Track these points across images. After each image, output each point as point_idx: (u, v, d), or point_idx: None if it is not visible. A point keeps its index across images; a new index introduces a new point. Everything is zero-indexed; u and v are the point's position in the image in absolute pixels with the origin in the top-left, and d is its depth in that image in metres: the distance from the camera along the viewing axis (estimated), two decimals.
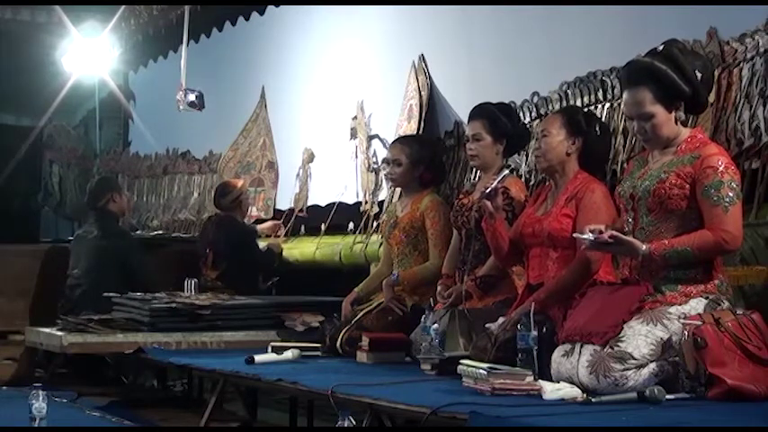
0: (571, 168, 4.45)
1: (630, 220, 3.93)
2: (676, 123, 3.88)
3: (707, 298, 3.75)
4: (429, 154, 5.62)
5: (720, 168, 3.74)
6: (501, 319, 4.32)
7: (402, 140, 5.75)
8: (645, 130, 3.89)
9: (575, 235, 4.04)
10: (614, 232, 3.82)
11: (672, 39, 3.92)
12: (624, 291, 3.86)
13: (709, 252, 3.74)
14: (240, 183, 7.63)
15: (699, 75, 3.84)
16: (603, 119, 4.85)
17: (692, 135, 3.89)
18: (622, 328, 3.70)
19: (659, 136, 3.88)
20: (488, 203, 4.47)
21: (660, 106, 3.84)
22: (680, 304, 3.72)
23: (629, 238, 3.81)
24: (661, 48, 3.89)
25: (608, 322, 3.74)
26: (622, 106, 4.03)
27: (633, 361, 3.63)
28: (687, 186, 3.77)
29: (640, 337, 3.66)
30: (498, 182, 4.51)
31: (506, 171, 4.63)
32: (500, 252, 4.58)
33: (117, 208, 7.36)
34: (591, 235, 3.80)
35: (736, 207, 3.74)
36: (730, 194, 3.72)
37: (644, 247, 3.76)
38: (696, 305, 3.72)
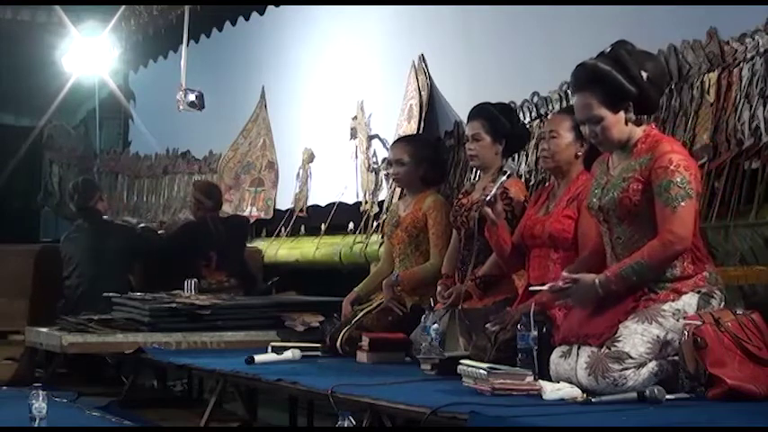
0: (576, 170, 4.44)
1: (606, 230, 3.91)
2: (627, 124, 3.83)
3: (698, 292, 3.74)
4: (431, 153, 5.64)
5: (671, 167, 3.71)
6: (498, 316, 4.34)
7: (404, 140, 5.76)
8: (595, 133, 3.86)
9: (530, 289, 4.02)
10: (565, 274, 3.82)
11: (621, 40, 3.87)
12: None
13: (660, 257, 3.69)
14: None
15: (645, 75, 3.79)
16: None
17: (645, 134, 3.85)
18: (618, 328, 3.70)
19: (610, 138, 3.85)
20: (489, 211, 4.47)
21: (608, 108, 3.80)
22: (673, 301, 3.71)
23: (579, 275, 3.79)
24: (608, 49, 3.86)
25: (604, 323, 3.74)
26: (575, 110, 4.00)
27: (631, 360, 3.62)
28: (648, 191, 3.75)
29: (636, 336, 3.66)
30: (497, 188, 4.50)
31: (503, 177, 4.60)
32: (504, 257, 4.58)
33: (103, 207, 7.57)
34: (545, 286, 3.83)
35: (686, 207, 3.69)
36: (680, 193, 3.68)
37: (596, 279, 3.74)
38: (689, 300, 3.72)
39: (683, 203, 3.68)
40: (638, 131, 3.85)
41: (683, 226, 3.69)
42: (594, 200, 3.92)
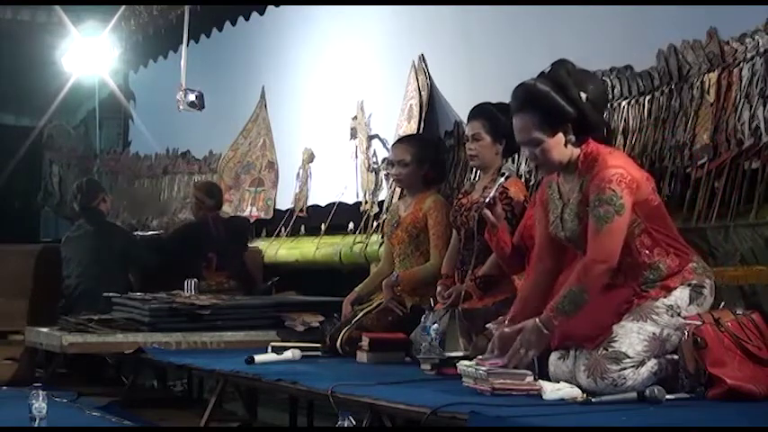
0: None
1: (581, 254, 3.87)
2: (566, 146, 3.79)
3: (689, 285, 3.74)
4: (432, 153, 5.63)
5: (602, 184, 3.67)
6: (500, 319, 4.32)
7: (405, 140, 5.75)
8: (535, 155, 3.83)
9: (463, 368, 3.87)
10: (507, 330, 3.77)
11: (561, 59, 3.85)
12: (611, 293, 3.82)
13: (587, 278, 3.66)
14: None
15: (584, 96, 3.76)
16: None
17: (584, 152, 3.81)
18: (613, 329, 3.69)
19: (550, 161, 3.82)
20: (489, 213, 4.45)
21: (547, 130, 3.77)
22: (664, 297, 3.72)
23: (521, 324, 3.75)
24: (548, 69, 3.83)
25: (599, 327, 3.73)
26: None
27: (629, 360, 3.63)
28: None
29: (633, 335, 3.66)
30: (495, 190, 4.49)
31: (501, 179, 4.59)
32: (505, 259, 4.56)
33: (106, 208, 7.58)
34: (480, 368, 3.73)
35: (613, 225, 3.64)
36: (608, 211, 3.64)
37: (537, 320, 3.71)
38: (680, 294, 3.72)
39: (610, 221, 3.65)
40: (577, 151, 3.82)
41: (609, 243, 3.66)
42: (559, 231, 3.90)
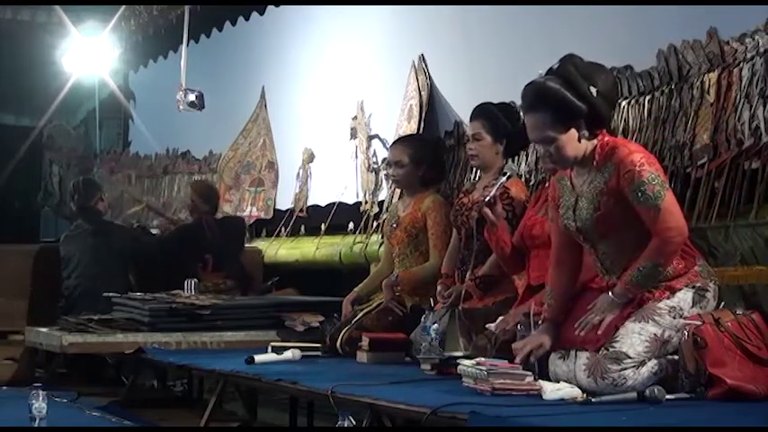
0: None
1: (589, 248, 3.89)
2: (580, 141, 3.78)
3: (693, 287, 3.74)
4: (430, 153, 5.62)
5: (636, 169, 3.68)
6: (501, 319, 4.32)
7: (403, 141, 5.75)
8: (550, 153, 3.82)
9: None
10: (596, 319, 3.75)
11: (569, 54, 3.85)
12: None
13: (666, 253, 3.68)
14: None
15: (594, 90, 3.75)
16: None
17: (600, 144, 3.80)
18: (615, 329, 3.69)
19: (565, 157, 3.80)
20: (489, 212, 4.45)
21: (559, 127, 3.76)
22: (668, 298, 3.71)
23: (597, 300, 3.77)
24: (556, 66, 3.83)
25: (600, 330, 3.72)
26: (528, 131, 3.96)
27: (629, 360, 3.62)
28: (622, 200, 3.72)
29: (634, 336, 3.66)
30: (496, 189, 4.49)
31: (503, 179, 4.59)
32: (504, 259, 4.56)
33: (103, 208, 7.62)
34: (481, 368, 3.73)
35: (666, 200, 3.66)
36: (656, 190, 3.65)
37: (611, 293, 3.73)
38: (684, 296, 3.72)
39: (662, 197, 3.66)
40: (591, 144, 3.81)
41: (673, 218, 3.67)
42: (570, 222, 3.89)
